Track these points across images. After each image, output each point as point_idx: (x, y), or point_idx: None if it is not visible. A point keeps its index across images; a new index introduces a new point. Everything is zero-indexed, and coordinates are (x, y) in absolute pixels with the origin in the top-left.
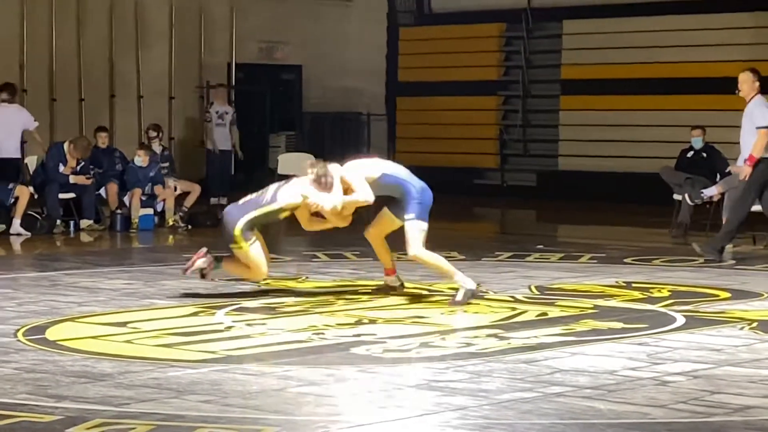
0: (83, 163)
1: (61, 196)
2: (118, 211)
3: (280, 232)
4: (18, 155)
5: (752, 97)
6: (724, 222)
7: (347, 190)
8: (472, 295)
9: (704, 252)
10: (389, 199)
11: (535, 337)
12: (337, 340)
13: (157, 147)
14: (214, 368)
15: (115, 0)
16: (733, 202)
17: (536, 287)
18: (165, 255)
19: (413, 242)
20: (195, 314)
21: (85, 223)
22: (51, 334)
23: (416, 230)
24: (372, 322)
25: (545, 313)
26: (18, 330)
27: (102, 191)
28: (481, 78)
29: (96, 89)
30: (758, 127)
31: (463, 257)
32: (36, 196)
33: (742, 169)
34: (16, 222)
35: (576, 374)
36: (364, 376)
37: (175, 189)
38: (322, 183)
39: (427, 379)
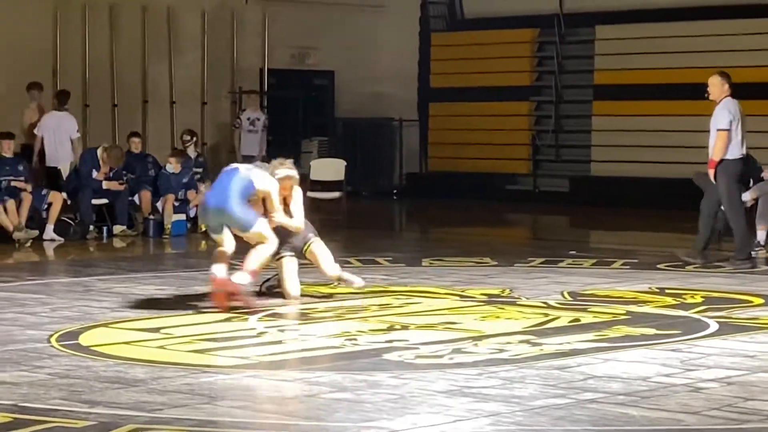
0: (116, 168)
1: (94, 201)
2: (151, 216)
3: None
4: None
5: (721, 99)
6: (758, 228)
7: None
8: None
9: (737, 267)
10: None
11: (568, 343)
12: (369, 346)
13: (191, 152)
14: (247, 374)
15: (147, 6)
16: (726, 211)
17: (569, 293)
18: (197, 261)
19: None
20: (228, 320)
21: (118, 228)
22: (84, 339)
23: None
24: (404, 328)
25: (578, 319)
26: (51, 335)
27: (135, 197)
28: (513, 83)
29: (129, 95)
30: (718, 129)
31: (496, 263)
32: (69, 202)
33: (709, 174)
34: (50, 228)
35: (609, 380)
36: (396, 382)
37: None
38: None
39: (460, 385)
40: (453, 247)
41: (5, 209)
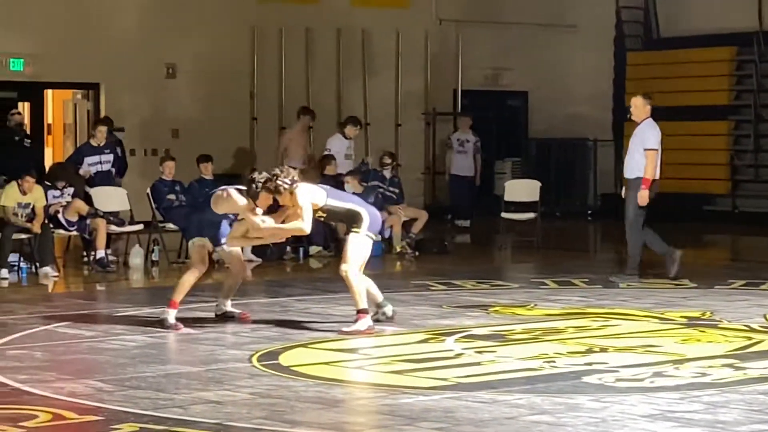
0: None
1: None
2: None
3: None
4: None
5: (643, 120)
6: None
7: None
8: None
9: (624, 279)
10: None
11: None
12: (568, 369)
13: (387, 173)
14: (446, 395)
15: (342, 29)
16: (627, 223)
17: None
18: (392, 281)
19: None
20: (425, 341)
21: (314, 249)
22: (284, 359)
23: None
24: (603, 350)
25: None
26: (252, 355)
27: None
28: (711, 103)
29: (323, 117)
30: (646, 149)
31: (695, 285)
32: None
33: (640, 195)
34: (248, 249)
35: None
36: (597, 405)
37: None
38: (273, 188)
39: (662, 410)
40: (650, 269)
41: None
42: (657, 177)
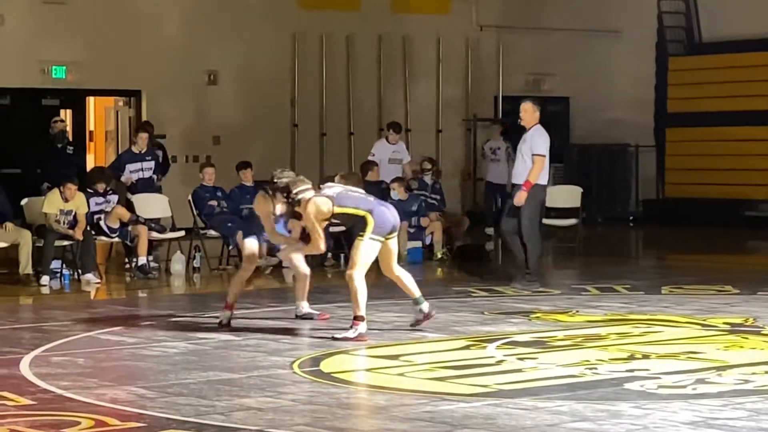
0: None
1: (332, 229)
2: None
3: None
4: None
5: (532, 126)
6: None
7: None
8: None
9: (525, 286)
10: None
11: None
12: (610, 375)
13: (428, 180)
14: (487, 402)
15: (383, 36)
16: (524, 231)
17: None
18: (434, 288)
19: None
20: (466, 347)
21: None
22: (325, 366)
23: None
24: (645, 357)
25: None
26: (293, 362)
27: None
28: (752, 108)
29: (364, 123)
30: (535, 154)
31: (738, 291)
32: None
33: (518, 195)
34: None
35: None
36: (639, 412)
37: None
38: (287, 198)
39: (704, 417)
40: (692, 275)
41: None
42: (544, 183)
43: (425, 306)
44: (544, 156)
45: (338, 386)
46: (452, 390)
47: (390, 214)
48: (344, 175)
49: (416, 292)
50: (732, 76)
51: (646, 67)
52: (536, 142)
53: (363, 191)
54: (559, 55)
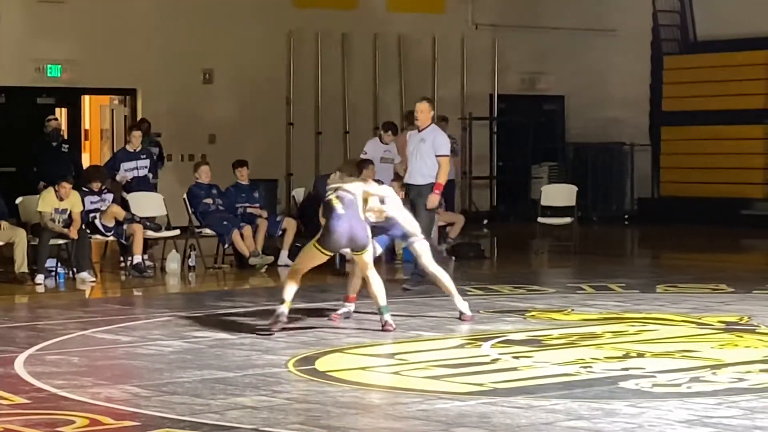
0: None
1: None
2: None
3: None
4: None
5: (427, 126)
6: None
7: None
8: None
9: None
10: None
11: None
12: (605, 374)
13: None
14: (482, 401)
15: (378, 34)
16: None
17: None
18: (430, 286)
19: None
20: (461, 346)
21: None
22: (320, 364)
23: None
24: (640, 355)
25: None
26: (288, 360)
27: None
28: (747, 107)
29: (360, 122)
30: (439, 155)
31: (732, 289)
32: (303, 228)
33: (431, 199)
34: (284, 254)
35: None
36: (633, 411)
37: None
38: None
39: (699, 415)
40: (687, 273)
41: (242, 235)
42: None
43: (388, 316)
44: (449, 156)
45: (333, 385)
46: (447, 388)
47: (338, 232)
48: (340, 167)
49: (382, 300)
50: (727, 75)
51: (641, 65)
52: (439, 142)
53: (361, 182)
54: (554, 54)
